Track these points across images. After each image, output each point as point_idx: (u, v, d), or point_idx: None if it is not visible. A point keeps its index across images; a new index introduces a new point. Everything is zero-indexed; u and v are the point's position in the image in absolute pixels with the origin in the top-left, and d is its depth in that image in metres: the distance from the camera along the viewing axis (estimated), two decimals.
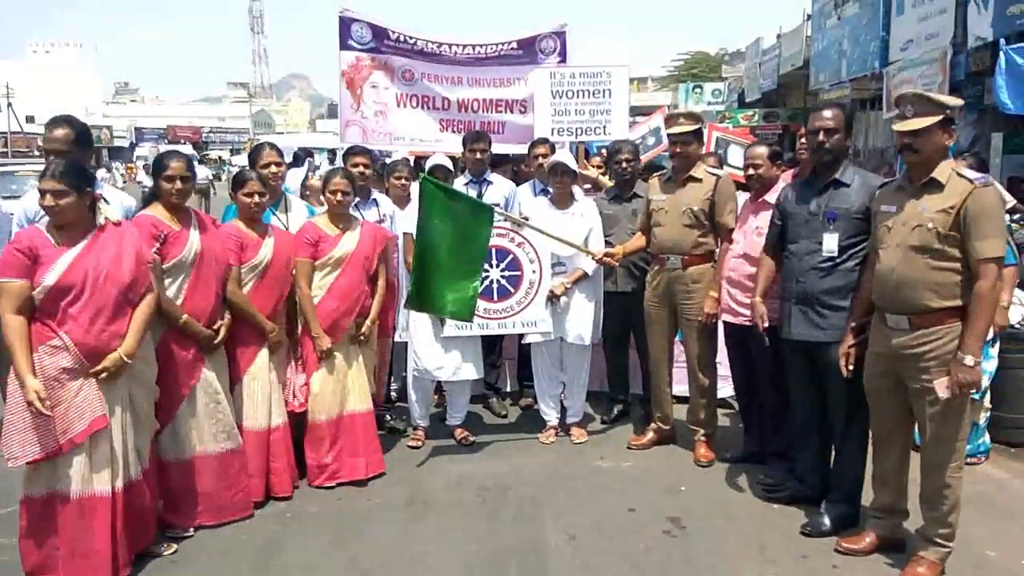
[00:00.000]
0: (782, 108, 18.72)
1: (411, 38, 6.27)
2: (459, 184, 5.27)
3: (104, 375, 3.22)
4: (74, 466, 3.21)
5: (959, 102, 3.20)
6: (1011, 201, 6.17)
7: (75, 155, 3.62)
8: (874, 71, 11.69)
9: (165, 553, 3.58)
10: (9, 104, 42.31)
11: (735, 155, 6.68)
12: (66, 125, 3.73)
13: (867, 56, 11.84)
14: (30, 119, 46.26)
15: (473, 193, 5.26)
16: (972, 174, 3.16)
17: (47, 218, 3.48)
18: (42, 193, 3.19)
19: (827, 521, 3.72)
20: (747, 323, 4.27)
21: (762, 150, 4.38)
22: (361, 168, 5.06)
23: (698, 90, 23.03)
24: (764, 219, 4.15)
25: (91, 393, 3.20)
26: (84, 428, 3.18)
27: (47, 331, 3.16)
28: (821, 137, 3.68)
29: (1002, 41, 7.24)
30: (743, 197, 4.63)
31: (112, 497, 3.27)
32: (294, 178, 6.09)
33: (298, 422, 4.30)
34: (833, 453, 3.89)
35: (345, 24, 6.22)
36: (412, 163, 5.95)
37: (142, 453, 3.46)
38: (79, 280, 3.17)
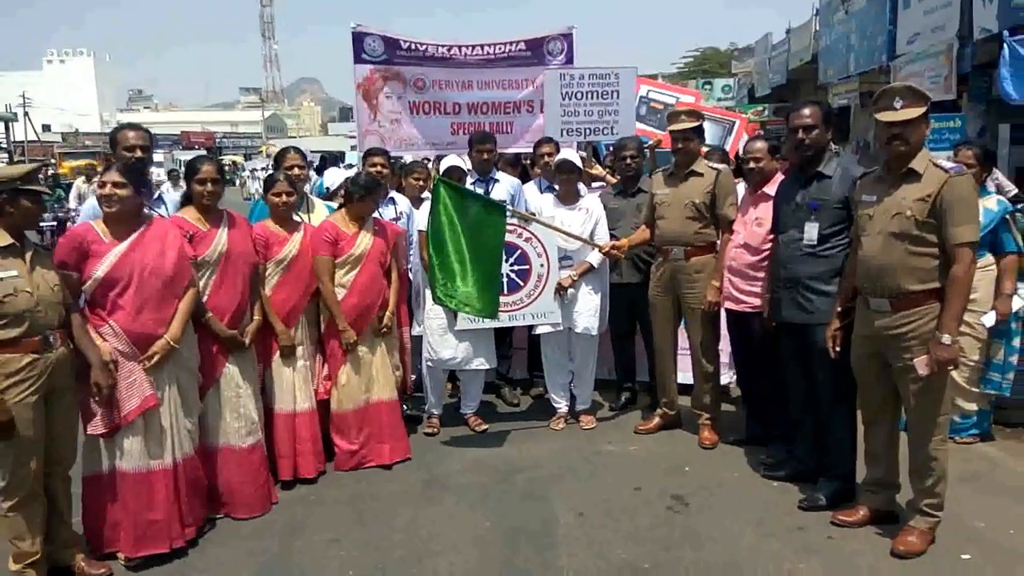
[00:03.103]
0: (792, 103, 18.71)
1: (421, 45, 6.50)
2: (467, 183, 5.46)
3: (154, 360, 3.49)
4: (130, 444, 3.48)
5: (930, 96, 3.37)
6: (1012, 189, 6.29)
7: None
8: (882, 65, 11.74)
9: None
10: (26, 113, 42.88)
11: (707, 132, 6.47)
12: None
13: (874, 50, 11.88)
14: (46, 128, 46.84)
15: (480, 191, 5.46)
16: (947, 164, 3.34)
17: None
18: (103, 184, 3.47)
19: (823, 496, 3.90)
20: (748, 310, 4.45)
21: (761, 144, 4.55)
22: (379, 167, 5.29)
23: (708, 86, 23.00)
24: (763, 210, 4.33)
25: (141, 376, 3.47)
26: (136, 407, 3.44)
27: (98, 320, 3.45)
28: (800, 134, 3.88)
29: (1006, 33, 7.35)
30: (741, 188, 4.80)
31: (169, 471, 3.55)
32: (333, 177, 6.23)
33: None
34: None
35: (358, 39, 6.46)
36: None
37: (192, 431, 3.72)
38: (126, 274, 3.44)
